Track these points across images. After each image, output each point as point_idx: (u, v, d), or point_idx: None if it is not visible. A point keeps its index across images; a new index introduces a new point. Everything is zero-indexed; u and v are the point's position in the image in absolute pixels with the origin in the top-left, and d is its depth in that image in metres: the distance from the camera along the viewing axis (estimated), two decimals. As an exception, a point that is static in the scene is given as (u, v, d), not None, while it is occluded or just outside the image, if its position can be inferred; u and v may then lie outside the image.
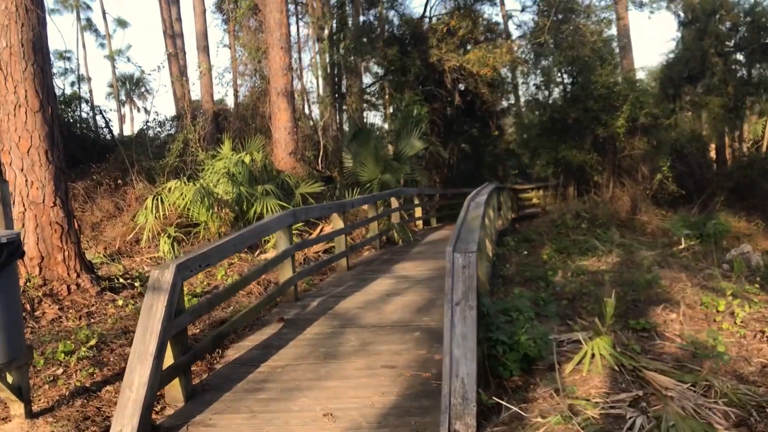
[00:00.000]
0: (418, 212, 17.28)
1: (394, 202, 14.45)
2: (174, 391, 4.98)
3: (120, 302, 8.21)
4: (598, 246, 12.05)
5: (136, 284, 9.14)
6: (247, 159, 14.45)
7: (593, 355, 4.44)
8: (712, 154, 26.08)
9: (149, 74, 44.01)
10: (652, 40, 47.79)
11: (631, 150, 19.93)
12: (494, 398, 4.14)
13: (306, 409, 4.72)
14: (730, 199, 22.12)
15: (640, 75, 20.87)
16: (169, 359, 4.86)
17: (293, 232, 8.70)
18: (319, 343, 6.22)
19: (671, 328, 6.20)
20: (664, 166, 19.17)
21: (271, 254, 11.24)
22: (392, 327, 6.55)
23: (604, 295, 7.79)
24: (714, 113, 16.79)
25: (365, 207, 12.80)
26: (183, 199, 12.69)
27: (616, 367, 4.38)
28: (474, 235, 5.21)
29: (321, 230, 12.84)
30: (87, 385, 5.27)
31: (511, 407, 4.06)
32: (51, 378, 5.36)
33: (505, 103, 25.86)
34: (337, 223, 10.10)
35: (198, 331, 6.71)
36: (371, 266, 10.63)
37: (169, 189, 13.03)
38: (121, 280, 8.93)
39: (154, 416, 4.64)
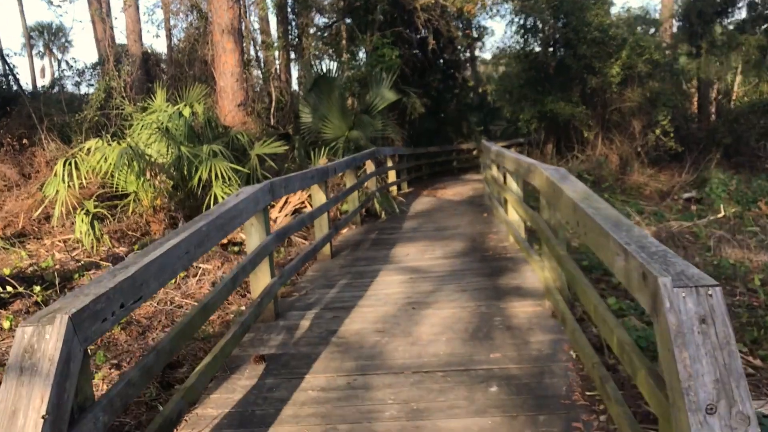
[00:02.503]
0: (392, 176, 14.75)
1: (370, 166, 11.88)
2: None
3: (6, 323, 5.50)
4: (630, 213, 9.81)
5: (36, 289, 6.39)
6: (186, 111, 11.58)
7: None
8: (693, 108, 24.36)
9: (59, 5, 39.12)
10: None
11: (622, 103, 17.78)
12: None
13: None
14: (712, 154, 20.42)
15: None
16: None
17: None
18: (333, 410, 3.68)
19: None
20: (663, 120, 17.10)
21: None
22: (446, 373, 4.06)
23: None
24: (748, 56, 14.72)
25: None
26: (105, 162, 9.81)
27: None
28: (650, 238, 2.74)
29: (286, 202, 10.20)
30: None
31: None
32: None
33: (476, 52, 23.33)
34: (318, 195, 7.49)
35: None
36: (360, 252, 8.09)
37: (88, 150, 10.11)
38: (8, 288, 6.15)
39: None
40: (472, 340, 4.53)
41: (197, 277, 6.82)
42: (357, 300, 5.71)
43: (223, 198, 9.46)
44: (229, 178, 9.52)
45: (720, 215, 10.61)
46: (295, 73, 21.09)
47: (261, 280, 5.08)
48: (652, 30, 23.98)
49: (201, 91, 12.72)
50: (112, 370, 4.55)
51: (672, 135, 17.31)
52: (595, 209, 3.32)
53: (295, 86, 20.40)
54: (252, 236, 5.02)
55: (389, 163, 14.50)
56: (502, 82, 20.76)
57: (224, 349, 3.95)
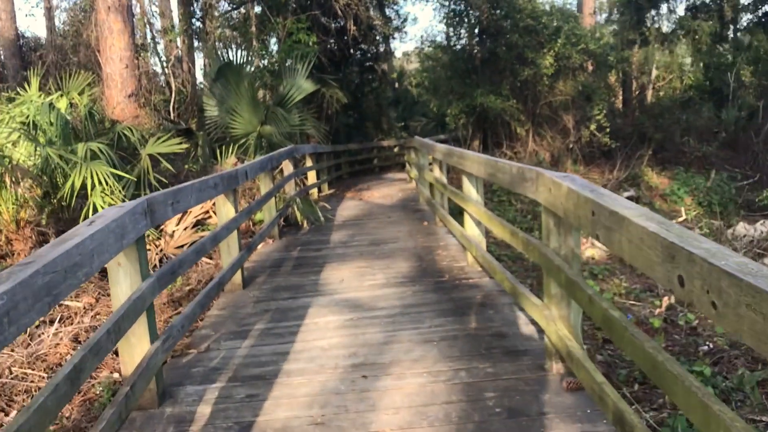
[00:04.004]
0: (312, 177, 13.07)
1: (287, 167, 10.20)
2: None
3: None
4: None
5: None
6: (62, 103, 9.64)
7: None
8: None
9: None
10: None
11: (554, 96, 16.76)
12: None
13: None
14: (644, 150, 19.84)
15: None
16: None
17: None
18: None
19: None
20: (599, 114, 16.17)
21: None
22: None
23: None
24: (699, 43, 13.83)
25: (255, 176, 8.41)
26: (-50, 166, 7.74)
27: None
28: None
29: (183, 218, 8.38)
30: None
31: None
32: None
33: (398, 42, 21.90)
34: (224, 208, 5.77)
35: None
36: (281, 277, 6.41)
37: (-69, 150, 8.01)
38: None
39: None
40: (465, 439, 2.99)
41: (56, 325, 4.97)
42: (281, 361, 4.06)
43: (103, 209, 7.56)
44: (114, 185, 7.64)
45: (681, 219, 9.56)
46: (200, 61, 19.08)
47: (135, 348, 3.37)
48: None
49: (85, 79, 10.71)
50: None
51: (608, 130, 16.44)
52: (722, 256, 1.84)
53: (200, 77, 18.39)
54: (119, 283, 3.30)
55: (309, 163, 12.84)
56: (427, 74, 19.36)
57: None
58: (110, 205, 7.66)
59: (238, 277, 5.92)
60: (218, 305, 5.50)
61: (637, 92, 24.11)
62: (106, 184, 7.52)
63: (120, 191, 7.80)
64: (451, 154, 6.48)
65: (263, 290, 5.88)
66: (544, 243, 3.55)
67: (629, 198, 14.49)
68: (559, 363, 3.54)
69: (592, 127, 16.27)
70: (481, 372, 3.65)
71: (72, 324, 5.00)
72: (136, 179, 8.09)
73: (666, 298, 5.47)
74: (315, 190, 13.23)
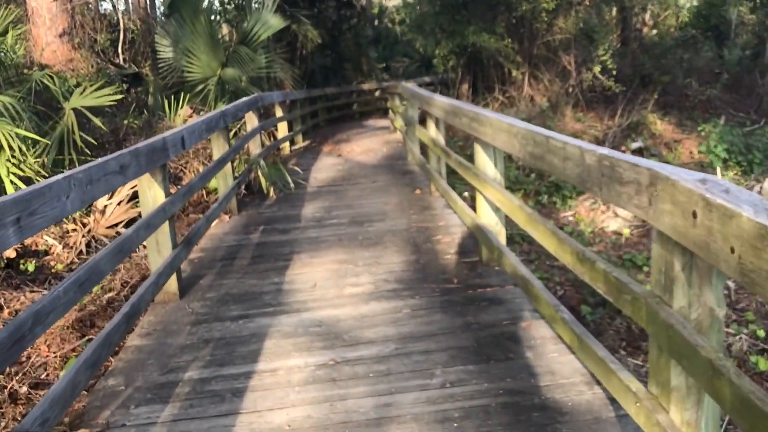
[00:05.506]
0: (283, 130, 11.40)
1: (251, 120, 8.57)
2: None
3: None
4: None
5: None
6: (-31, 44, 7.90)
7: None
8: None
9: None
10: None
11: (553, 35, 15.06)
12: None
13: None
14: (648, 94, 18.33)
15: None
16: None
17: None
18: None
19: None
20: (604, 55, 14.54)
21: None
22: None
23: None
24: None
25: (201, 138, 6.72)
26: None
27: None
28: None
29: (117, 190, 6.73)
30: None
31: None
32: None
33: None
34: (150, 193, 4.19)
35: None
36: (233, 277, 4.86)
37: None
38: None
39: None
40: None
41: None
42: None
43: (13, 183, 5.94)
44: (22, 150, 5.99)
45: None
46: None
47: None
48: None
49: (8, 15, 8.91)
50: None
51: (614, 72, 14.85)
52: None
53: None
54: None
55: (279, 113, 11.16)
56: (411, 10, 17.45)
57: None
58: (23, 177, 6.05)
59: (173, 284, 4.38)
60: (142, 327, 3.98)
61: (639, 30, 22.47)
62: (11, 149, 5.87)
63: (33, 158, 6.17)
64: (458, 113, 4.88)
65: (206, 301, 4.35)
66: (656, 294, 2.05)
67: (638, 150, 13.03)
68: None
69: (596, 69, 14.65)
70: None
71: None
72: (50, 142, 6.42)
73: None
74: (287, 144, 11.59)
